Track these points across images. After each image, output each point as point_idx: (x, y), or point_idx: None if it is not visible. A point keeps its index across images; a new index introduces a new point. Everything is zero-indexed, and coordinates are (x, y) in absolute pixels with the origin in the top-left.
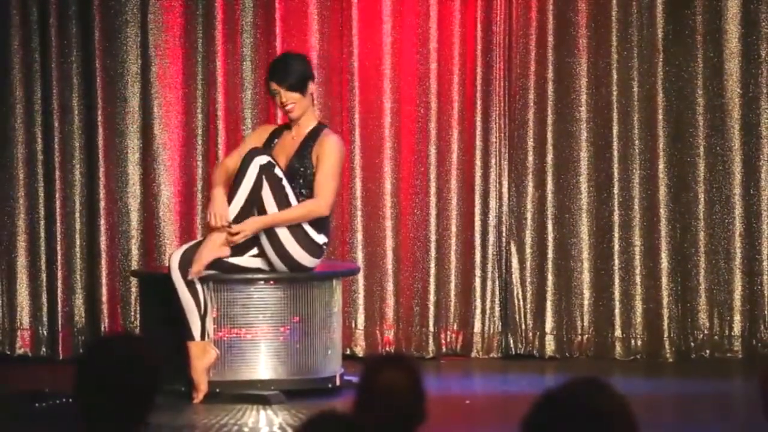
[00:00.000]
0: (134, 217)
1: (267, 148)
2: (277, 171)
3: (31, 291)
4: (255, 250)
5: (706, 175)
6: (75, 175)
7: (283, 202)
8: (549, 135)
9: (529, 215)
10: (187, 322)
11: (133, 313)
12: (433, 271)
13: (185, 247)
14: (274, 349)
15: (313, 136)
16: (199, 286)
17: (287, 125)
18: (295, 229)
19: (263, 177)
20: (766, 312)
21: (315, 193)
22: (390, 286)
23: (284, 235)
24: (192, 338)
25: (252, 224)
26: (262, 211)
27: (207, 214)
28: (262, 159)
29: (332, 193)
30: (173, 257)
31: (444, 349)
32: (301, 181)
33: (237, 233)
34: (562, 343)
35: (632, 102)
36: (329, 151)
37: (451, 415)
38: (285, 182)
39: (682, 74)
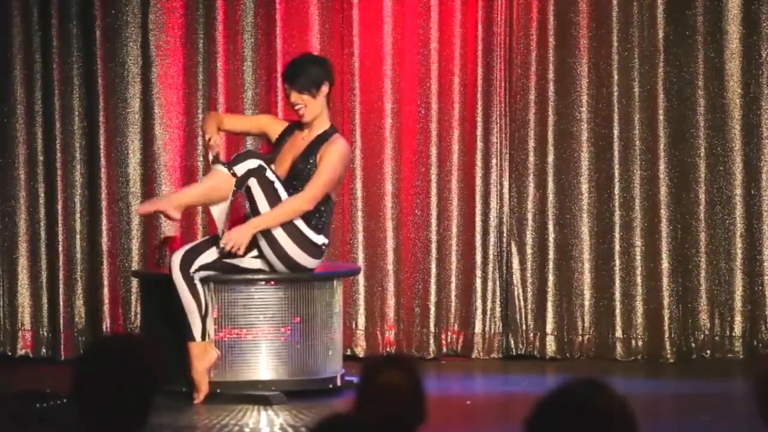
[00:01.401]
0: (135, 218)
1: (277, 145)
2: (269, 174)
3: (32, 292)
4: (255, 252)
5: (707, 175)
6: (76, 176)
7: (276, 205)
8: (550, 135)
9: (529, 216)
10: (188, 322)
11: (134, 314)
12: (433, 271)
13: (186, 247)
14: (275, 350)
15: (322, 139)
16: (200, 287)
17: (300, 125)
18: (292, 231)
19: (251, 179)
20: (766, 313)
21: (304, 187)
22: (391, 287)
23: (282, 237)
24: (193, 339)
25: (241, 235)
26: (256, 214)
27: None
28: (252, 163)
29: (318, 190)
30: (174, 258)
31: (445, 350)
32: (303, 182)
33: (232, 244)
34: (563, 343)
35: (633, 102)
36: (331, 152)
37: (452, 416)
38: (278, 185)
39: (682, 75)
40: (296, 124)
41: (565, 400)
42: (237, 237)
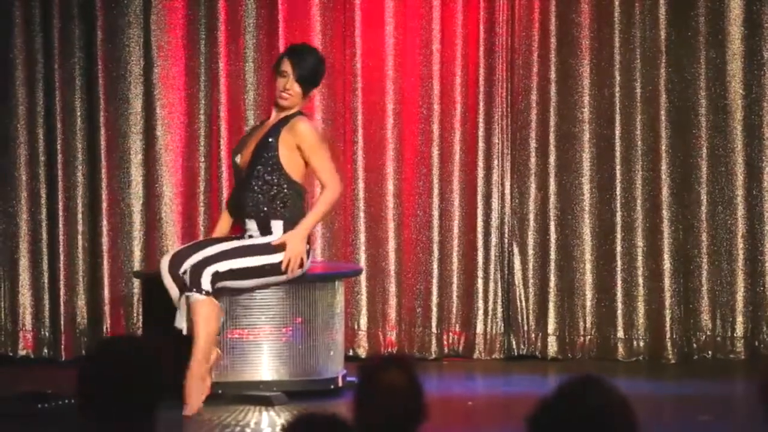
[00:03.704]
0: (137, 218)
1: (245, 137)
2: (224, 265)
3: (33, 292)
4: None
5: (709, 176)
6: (77, 177)
7: (241, 251)
8: (551, 136)
9: (531, 216)
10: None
11: (135, 315)
12: (435, 272)
13: (174, 250)
14: (276, 350)
15: (284, 122)
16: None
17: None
18: (265, 270)
19: (220, 282)
20: None
21: (322, 182)
22: (392, 288)
23: (261, 282)
24: None
25: (296, 242)
26: (248, 274)
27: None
28: (163, 263)
29: (336, 175)
30: (162, 261)
31: (446, 350)
32: (262, 167)
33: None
34: (565, 344)
35: (635, 103)
36: (309, 138)
37: (454, 416)
38: (237, 255)
39: (684, 75)
40: (268, 119)
41: (567, 398)
42: (295, 250)
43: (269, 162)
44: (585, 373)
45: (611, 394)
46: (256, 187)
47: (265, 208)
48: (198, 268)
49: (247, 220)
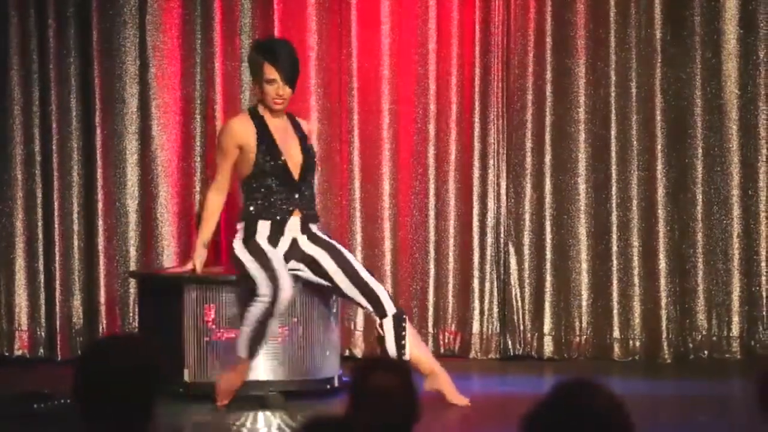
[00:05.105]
0: (132, 219)
1: (267, 139)
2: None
3: (29, 292)
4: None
5: (704, 176)
6: (73, 177)
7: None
8: (547, 136)
9: (527, 216)
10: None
11: (131, 314)
12: (431, 272)
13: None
14: (272, 350)
15: (299, 126)
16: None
17: (256, 112)
18: None
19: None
20: (764, 313)
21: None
22: (389, 288)
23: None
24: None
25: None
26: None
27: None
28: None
29: None
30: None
31: (442, 350)
32: (311, 171)
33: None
34: (561, 344)
35: (630, 103)
36: (313, 130)
37: (449, 416)
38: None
39: (680, 75)
40: (255, 114)
41: (560, 401)
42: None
43: (313, 164)
44: (579, 376)
45: (607, 397)
46: (306, 192)
47: (316, 207)
48: (381, 306)
49: (311, 225)
